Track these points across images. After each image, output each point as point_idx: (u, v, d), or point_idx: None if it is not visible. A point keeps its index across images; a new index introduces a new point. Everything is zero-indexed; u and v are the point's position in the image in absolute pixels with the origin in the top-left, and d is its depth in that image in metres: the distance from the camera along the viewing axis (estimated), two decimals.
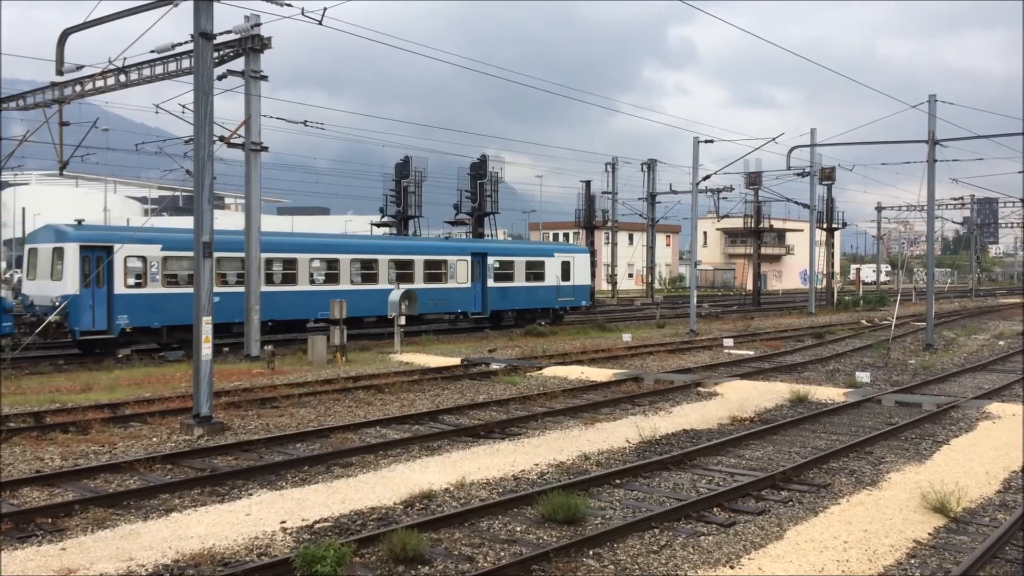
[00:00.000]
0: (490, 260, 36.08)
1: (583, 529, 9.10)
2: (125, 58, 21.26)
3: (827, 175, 55.08)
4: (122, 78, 22.88)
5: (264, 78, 24.58)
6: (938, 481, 10.80)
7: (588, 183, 57.21)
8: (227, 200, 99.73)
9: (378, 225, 50.96)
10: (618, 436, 13.99)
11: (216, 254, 23.58)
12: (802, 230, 74.66)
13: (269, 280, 27.89)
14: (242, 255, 25.64)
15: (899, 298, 36.77)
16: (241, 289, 25.59)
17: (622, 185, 56.78)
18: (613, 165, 57.41)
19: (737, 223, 63.52)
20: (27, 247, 26.28)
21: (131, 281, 24.85)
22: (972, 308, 55.97)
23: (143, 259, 25.12)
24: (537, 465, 11.99)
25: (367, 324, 31.40)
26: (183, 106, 23.28)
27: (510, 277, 37.03)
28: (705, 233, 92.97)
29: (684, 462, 12.22)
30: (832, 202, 58.24)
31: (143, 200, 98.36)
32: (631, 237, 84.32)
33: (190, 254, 23.94)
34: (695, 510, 9.73)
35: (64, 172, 26.65)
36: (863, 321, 42.04)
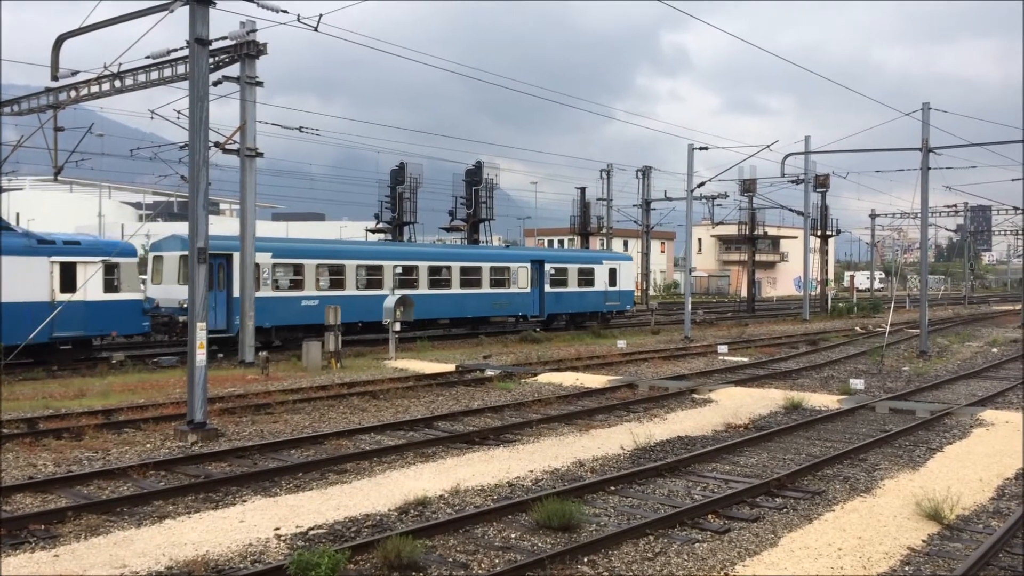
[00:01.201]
0: (547, 267, 38.83)
1: (578, 536, 9.09)
2: (120, 63, 21.20)
3: (821, 182, 55.23)
4: (117, 83, 22.88)
5: (259, 84, 24.59)
6: (932, 488, 10.83)
7: (583, 190, 57.27)
8: (222, 206, 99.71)
9: (373, 231, 50.95)
10: (613, 443, 14.00)
11: (352, 261, 30.98)
12: (796, 237, 74.84)
13: (359, 285, 31.19)
14: (373, 262, 31.55)
15: (893, 305, 36.86)
16: (370, 292, 30.88)
17: (617, 191, 56.82)
18: (608, 172, 57.45)
19: (732, 230, 63.70)
20: (152, 254, 28.36)
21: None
22: (966, 315, 56.11)
23: (256, 266, 26.62)
24: (532, 472, 11.99)
25: (441, 325, 35.01)
26: (178, 111, 23.26)
27: (564, 283, 39.65)
28: (700, 240, 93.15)
29: (679, 469, 12.23)
30: (826, 209, 58.39)
31: (138, 205, 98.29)
32: (626, 244, 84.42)
33: (296, 261, 29.58)
34: (690, 517, 9.73)
35: (59, 177, 26.60)
36: (857, 328, 42.12)
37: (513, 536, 9.15)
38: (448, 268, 34.49)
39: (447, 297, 34.16)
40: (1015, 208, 60.72)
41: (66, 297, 22.25)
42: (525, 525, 9.46)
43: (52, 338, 22.67)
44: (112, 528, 9.34)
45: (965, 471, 12.21)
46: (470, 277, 35.20)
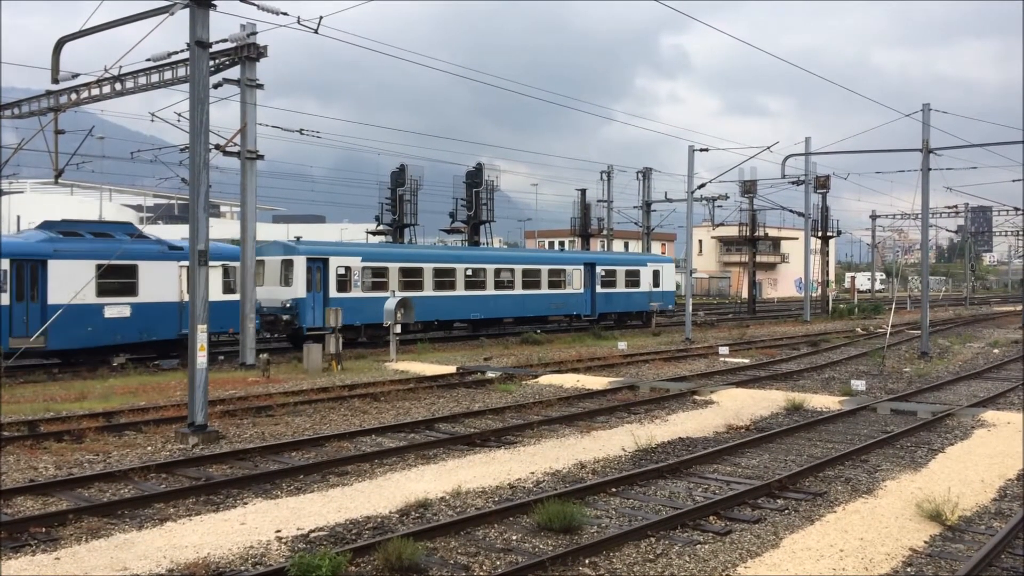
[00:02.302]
0: (598, 269, 41.59)
1: (579, 538, 9.08)
2: (121, 66, 21.26)
3: (822, 183, 55.19)
4: (117, 86, 22.90)
5: (260, 86, 24.61)
6: (934, 489, 10.82)
7: (583, 191, 57.25)
8: (222, 208, 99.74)
9: (374, 233, 50.97)
10: (614, 444, 13.99)
11: (428, 264, 33.76)
12: (797, 238, 74.80)
13: (438, 287, 34.07)
14: (446, 265, 34.38)
15: (894, 306, 36.85)
16: (443, 293, 33.96)
17: (617, 193, 56.70)
18: (608, 173, 57.40)
19: (732, 231, 63.62)
20: (255, 259, 29.19)
21: (339, 287, 30.31)
22: (967, 316, 56.08)
23: (348, 269, 30.68)
24: (533, 473, 11.98)
25: (505, 323, 37.71)
26: (179, 114, 23.26)
27: (613, 284, 42.41)
28: (700, 241, 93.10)
29: (680, 470, 12.22)
30: (827, 210, 58.33)
31: (138, 208, 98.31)
32: (626, 245, 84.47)
33: (381, 264, 32.34)
34: (691, 518, 9.72)
35: (59, 180, 26.62)
36: (858, 329, 42.09)
37: (514, 538, 9.14)
38: (512, 270, 37.40)
39: (510, 298, 37.12)
40: (1016, 209, 60.75)
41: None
42: (526, 527, 9.45)
43: (180, 334, 24.79)
44: (113, 531, 9.34)
45: (967, 472, 12.19)
46: (530, 279, 38.09)
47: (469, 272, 35.43)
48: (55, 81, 21.65)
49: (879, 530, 9.35)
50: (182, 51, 19.68)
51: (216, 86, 23.37)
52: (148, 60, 21.62)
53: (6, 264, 22.36)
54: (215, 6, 15.01)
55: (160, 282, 24.98)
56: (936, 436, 15.02)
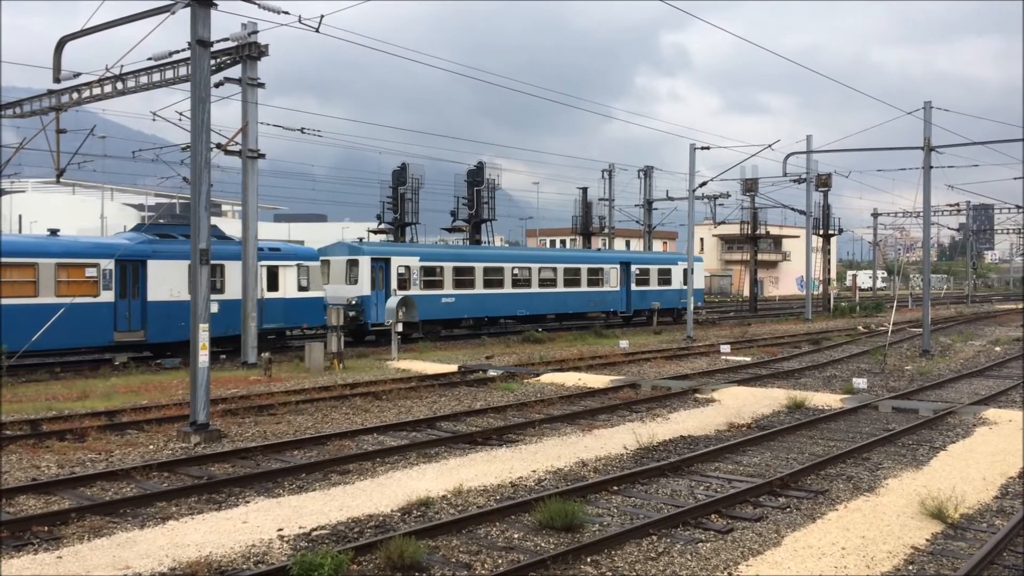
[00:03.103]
0: (633, 268, 43.84)
1: (581, 536, 9.09)
2: (122, 66, 21.24)
3: (823, 181, 55.16)
4: (119, 85, 22.90)
5: (261, 85, 24.61)
6: (935, 487, 10.82)
7: (585, 190, 57.23)
8: (224, 207, 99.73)
9: (375, 232, 50.98)
10: (615, 443, 13.99)
11: (480, 264, 35.83)
12: (798, 236, 74.76)
13: (487, 285, 36.06)
14: (495, 264, 36.39)
15: (895, 304, 36.82)
16: (492, 291, 35.95)
17: (619, 191, 56.80)
18: (609, 172, 57.37)
19: (734, 229, 63.57)
20: (321, 259, 31.41)
21: (399, 285, 32.40)
22: (968, 314, 56.04)
23: (408, 268, 32.75)
24: (535, 472, 11.98)
25: (548, 320, 39.71)
26: (180, 113, 23.27)
27: (647, 282, 44.62)
28: (702, 239, 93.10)
29: (682, 469, 12.22)
30: (828, 208, 58.30)
31: (140, 207, 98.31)
32: (628, 244, 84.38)
33: (438, 264, 34.29)
34: (693, 517, 9.73)
35: (61, 179, 26.64)
36: (860, 327, 42.07)
37: (516, 536, 9.14)
38: (554, 269, 39.45)
39: (553, 295, 39.24)
40: (1017, 207, 60.68)
41: (272, 295, 27.46)
42: (528, 525, 9.46)
43: (261, 329, 26.28)
44: (115, 529, 9.35)
45: (968, 470, 12.19)
46: (571, 277, 40.19)
47: (516, 271, 37.52)
48: (56, 80, 21.65)
49: (881, 528, 9.35)
50: (183, 50, 19.67)
51: (217, 85, 23.37)
52: (149, 59, 21.60)
53: (112, 264, 23.97)
54: (216, 5, 15.01)
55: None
56: (938, 434, 15.01)
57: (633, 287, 43.70)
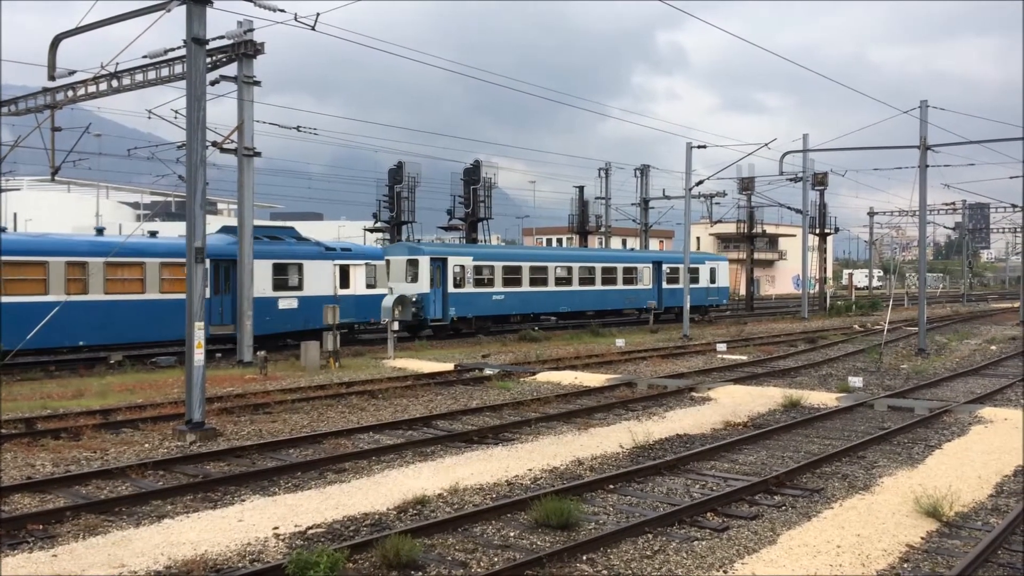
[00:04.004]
0: (664, 267, 45.82)
1: (577, 534, 9.09)
2: (117, 63, 21.15)
3: (820, 180, 55.24)
4: (114, 83, 22.83)
5: (257, 83, 24.57)
6: (931, 485, 10.83)
7: (581, 188, 57.27)
8: (220, 205, 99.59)
9: (372, 231, 50.97)
10: (612, 441, 13.99)
11: (526, 263, 37.88)
12: (795, 235, 74.85)
13: (533, 283, 38.07)
14: (540, 264, 38.46)
15: (891, 303, 36.88)
16: (536, 289, 38.03)
17: (615, 190, 56.75)
18: (606, 171, 57.40)
19: (730, 228, 63.64)
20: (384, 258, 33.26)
21: (455, 283, 34.38)
22: (964, 313, 56.14)
23: (462, 267, 34.74)
24: (531, 470, 11.98)
25: (588, 316, 41.53)
26: (175, 111, 23.16)
27: (677, 280, 46.00)
28: (698, 238, 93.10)
29: (677, 467, 12.23)
30: (825, 207, 58.42)
31: (135, 205, 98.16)
32: (624, 242, 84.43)
33: (489, 263, 36.31)
34: (688, 515, 9.73)
35: (56, 178, 26.56)
36: (856, 326, 42.13)
37: (512, 535, 9.14)
38: (593, 268, 41.43)
39: (592, 292, 41.22)
40: (1013, 206, 60.72)
41: (344, 292, 29.60)
42: (524, 524, 9.45)
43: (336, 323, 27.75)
44: (110, 528, 9.33)
45: (964, 468, 12.21)
46: (608, 276, 42.19)
47: (559, 270, 39.60)
48: (51, 78, 21.56)
49: (876, 526, 9.36)
50: (179, 48, 19.60)
51: (213, 83, 23.32)
52: (145, 57, 21.51)
53: (207, 263, 23.52)
54: (211, 3, 14.99)
55: (319, 278, 28.93)
56: (933, 433, 15.04)
57: (664, 285, 45.57)
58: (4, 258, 21.67)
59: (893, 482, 11.36)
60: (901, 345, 32.16)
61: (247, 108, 24.55)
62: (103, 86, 22.92)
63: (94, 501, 10.19)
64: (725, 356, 27.94)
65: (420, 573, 7.95)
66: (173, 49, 20.24)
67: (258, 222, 29.04)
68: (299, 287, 28.34)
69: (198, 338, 14.34)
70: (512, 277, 37.09)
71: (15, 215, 70.00)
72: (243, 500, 10.48)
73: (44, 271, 22.43)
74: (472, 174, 48.58)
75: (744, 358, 27.21)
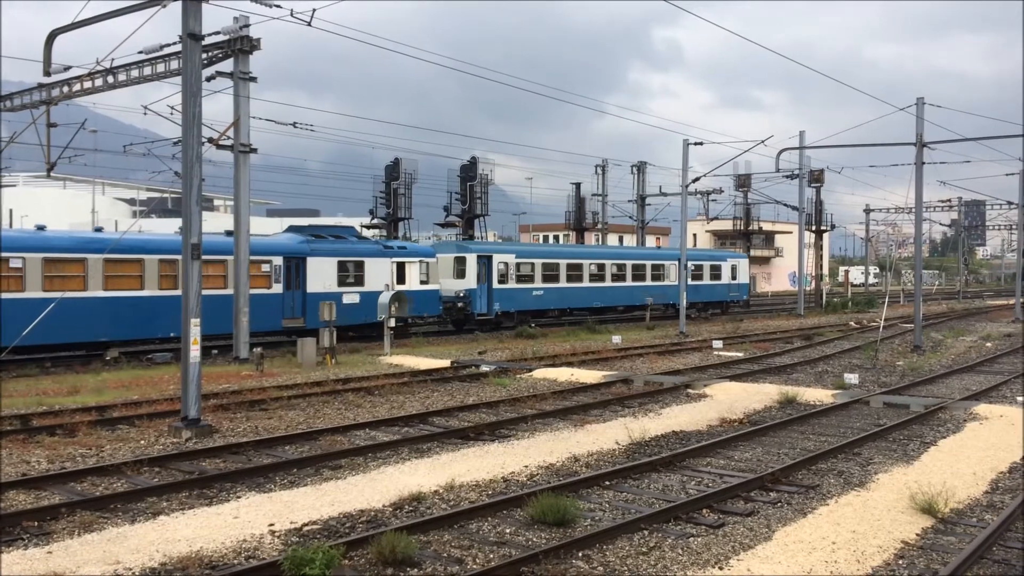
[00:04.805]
0: (690, 264, 46.38)
1: (572, 531, 9.10)
2: (113, 59, 21.14)
3: (816, 177, 55.31)
4: (110, 79, 22.77)
5: (253, 79, 24.50)
6: (926, 482, 10.85)
7: (578, 185, 57.26)
8: (216, 202, 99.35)
9: (368, 227, 50.90)
10: (608, 438, 14.00)
11: (563, 260, 39.67)
12: (791, 232, 74.95)
13: (570, 279, 39.70)
14: (576, 261, 40.14)
15: (887, 300, 36.93)
16: (572, 285, 39.70)
17: (612, 187, 56.71)
18: (603, 167, 57.38)
19: (727, 225, 63.76)
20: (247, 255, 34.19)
21: (499, 279, 36.08)
22: (960, 310, 56.24)
23: (506, 264, 36.52)
24: (527, 467, 11.98)
25: (620, 311, 43.49)
26: (171, 107, 23.10)
27: (700, 277, 48.08)
28: (695, 235, 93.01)
29: (673, 464, 12.24)
30: (821, 204, 58.47)
31: (131, 202, 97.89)
32: (621, 239, 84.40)
33: (530, 260, 38.12)
34: (684, 511, 9.74)
35: (52, 174, 26.50)
36: (851, 323, 42.19)
37: (508, 531, 9.15)
38: (624, 264, 43.10)
39: (623, 288, 42.87)
40: (1009, 203, 60.79)
41: (401, 288, 31.08)
42: (520, 520, 9.46)
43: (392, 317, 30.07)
44: (106, 525, 9.32)
45: (959, 465, 12.24)
46: (638, 272, 43.87)
47: (593, 267, 41.31)
48: (47, 74, 21.53)
49: (871, 523, 9.38)
50: (175, 44, 19.57)
51: (209, 79, 23.25)
52: (140, 53, 21.50)
53: (280, 261, 28.07)
54: None
55: (378, 275, 30.92)
56: (928, 429, 15.07)
57: (690, 282, 46.39)
58: (109, 256, 23.64)
59: (889, 479, 11.38)
60: (897, 342, 32.21)
61: (243, 104, 24.49)
62: (99, 82, 22.86)
63: (89, 498, 10.18)
64: (721, 353, 27.96)
65: (416, 570, 7.95)
66: (169, 45, 20.27)
67: (322, 222, 30.71)
68: (360, 283, 30.25)
69: (194, 335, 14.31)
70: (551, 274, 38.71)
71: (11, 211, 69.78)
72: (239, 497, 10.48)
73: (140, 268, 24.57)
74: (469, 170, 48.55)
75: (740, 355, 27.24)
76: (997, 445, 13.55)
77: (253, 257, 26.03)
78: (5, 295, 21.71)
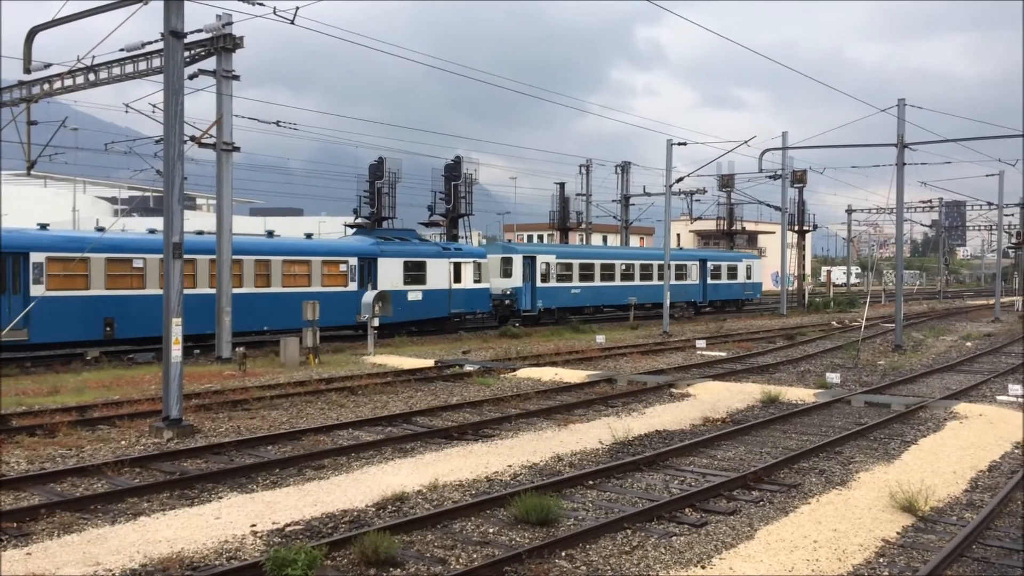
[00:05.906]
0: (708, 264, 50.34)
1: (556, 530, 9.10)
2: (94, 56, 21.00)
3: (798, 178, 55.55)
4: (91, 77, 22.61)
5: (236, 78, 24.38)
6: (906, 481, 10.92)
7: (562, 185, 57.24)
8: (199, 201, 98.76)
9: (352, 226, 50.74)
10: (591, 437, 14.02)
11: (597, 260, 42.40)
12: (774, 232, 75.24)
13: (603, 278, 42.36)
14: (608, 261, 42.80)
15: (869, 300, 37.18)
16: (605, 283, 42.53)
17: (596, 186, 56.92)
18: (587, 167, 57.44)
19: (710, 225, 63.93)
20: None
21: (542, 278, 38.47)
22: (940, 310, 56.69)
23: (548, 264, 39.02)
24: (510, 466, 11.98)
25: (648, 308, 44.89)
26: (153, 105, 23.00)
27: (719, 276, 51.22)
28: (678, 235, 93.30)
29: (656, 463, 12.27)
30: (803, 204, 58.71)
31: (113, 200, 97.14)
32: (605, 239, 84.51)
33: (568, 260, 40.40)
34: (667, 511, 9.77)
35: (32, 172, 26.27)
36: (833, 323, 42.44)
37: (491, 531, 9.14)
38: (650, 265, 45.45)
39: (649, 287, 44.84)
40: (989, 203, 61.35)
41: (457, 286, 34.40)
42: (503, 520, 9.46)
43: (450, 313, 34.43)
44: (86, 526, 9.25)
45: (939, 464, 12.33)
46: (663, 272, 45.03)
47: (623, 267, 43.96)
48: (27, 71, 21.32)
49: (852, 521, 9.43)
50: (156, 41, 19.46)
51: (191, 77, 23.12)
52: (122, 50, 21.37)
53: (355, 261, 30.88)
54: None
55: (438, 274, 33.68)
56: (909, 428, 15.18)
57: (708, 281, 50.04)
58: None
59: (869, 477, 11.46)
60: (878, 341, 32.43)
61: (226, 102, 24.36)
62: (80, 79, 22.70)
63: (69, 499, 10.10)
64: (704, 352, 28.06)
65: (399, 570, 7.93)
66: (151, 42, 20.15)
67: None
68: (423, 282, 33.07)
69: (175, 334, 14.21)
70: (586, 273, 41.25)
71: None
72: (220, 497, 10.42)
73: (240, 268, 26.70)
74: (453, 170, 48.39)
75: (723, 354, 27.34)
76: (977, 444, 13.67)
77: (333, 257, 29.77)
78: (128, 292, 24.40)
